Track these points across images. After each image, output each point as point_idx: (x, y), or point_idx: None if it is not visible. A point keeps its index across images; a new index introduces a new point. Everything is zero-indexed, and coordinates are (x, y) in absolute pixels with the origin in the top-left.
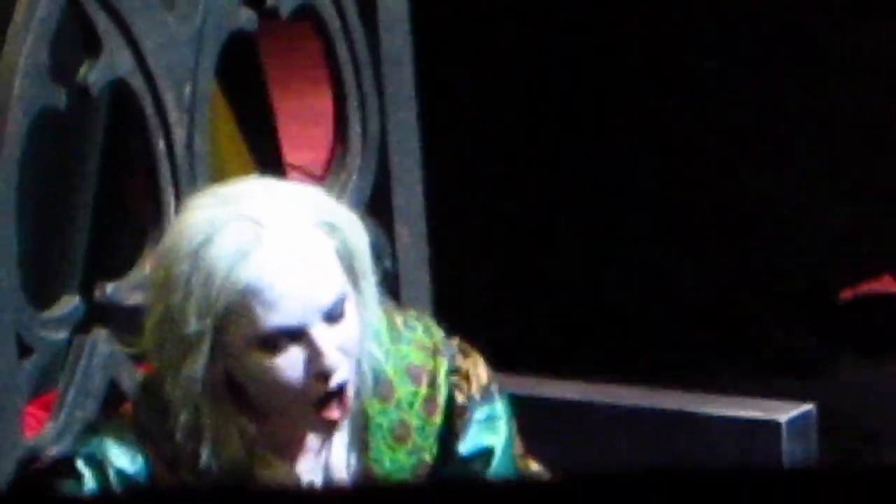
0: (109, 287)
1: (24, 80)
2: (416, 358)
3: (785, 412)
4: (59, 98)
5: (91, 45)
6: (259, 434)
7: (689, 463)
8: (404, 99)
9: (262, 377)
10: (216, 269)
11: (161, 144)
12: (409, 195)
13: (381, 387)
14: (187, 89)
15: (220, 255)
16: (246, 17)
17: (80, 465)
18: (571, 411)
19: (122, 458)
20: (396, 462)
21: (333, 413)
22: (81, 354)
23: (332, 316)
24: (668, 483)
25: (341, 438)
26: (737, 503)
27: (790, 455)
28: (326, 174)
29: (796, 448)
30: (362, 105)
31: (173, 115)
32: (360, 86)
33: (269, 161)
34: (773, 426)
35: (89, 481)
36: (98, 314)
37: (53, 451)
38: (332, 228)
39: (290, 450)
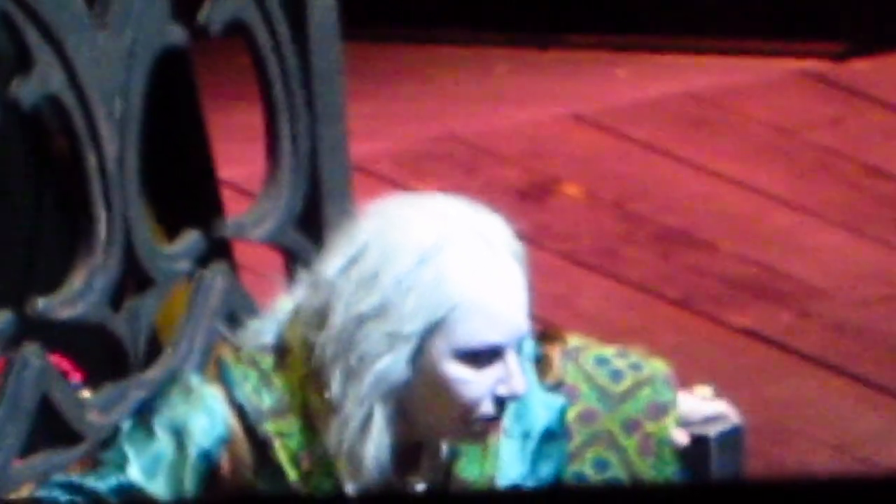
0: (41, 302)
1: None
2: None
3: (714, 427)
4: None
5: (23, 61)
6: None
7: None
8: (335, 114)
9: (450, 389)
10: (448, 274)
11: (92, 159)
12: (340, 210)
13: None
14: (118, 104)
15: (454, 262)
16: (176, 34)
17: (159, 428)
18: None
19: (205, 436)
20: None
21: (491, 434)
22: (12, 369)
23: (519, 344)
24: (601, 499)
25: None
26: None
27: (719, 469)
28: (258, 190)
29: (725, 462)
30: (293, 121)
31: (105, 130)
32: (290, 101)
33: (203, 176)
34: (703, 442)
35: (162, 448)
36: (29, 329)
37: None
38: (521, 261)
39: (407, 461)
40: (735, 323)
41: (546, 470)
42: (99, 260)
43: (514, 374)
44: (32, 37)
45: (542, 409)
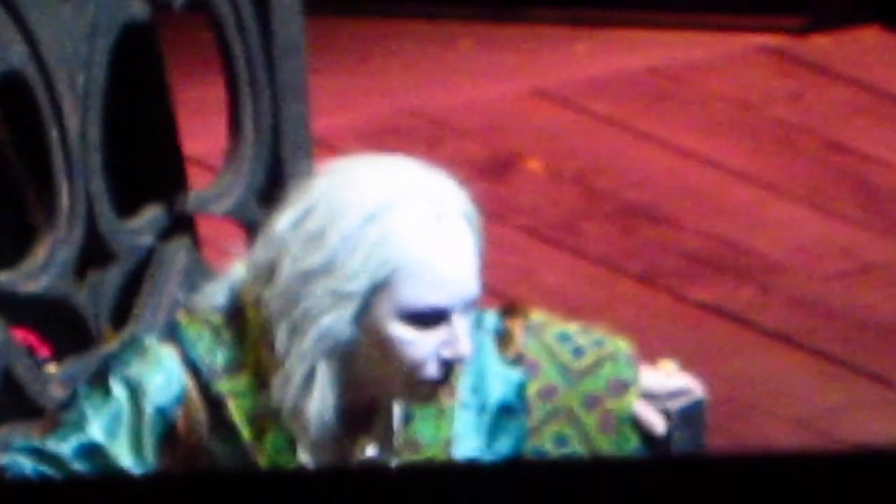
0: (3, 276)
1: None
2: None
3: (676, 402)
4: None
5: None
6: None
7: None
8: (297, 89)
9: (395, 349)
10: (394, 233)
11: (55, 133)
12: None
13: None
14: (81, 79)
15: (401, 221)
16: (139, 8)
17: (115, 387)
18: None
19: (161, 394)
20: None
21: (442, 396)
22: None
23: (468, 308)
24: (562, 473)
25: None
26: (627, 490)
27: (680, 444)
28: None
29: (686, 437)
30: (255, 95)
31: (67, 105)
32: (252, 77)
33: (166, 151)
34: (665, 416)
35: (120, 407)
36: None
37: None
38: (473, 226)
39: (360, 422)
40: (696, 298)
41: (504, 445)
42: (62, 234)
43: (459, 337)
44: None
45: (500, 383)
